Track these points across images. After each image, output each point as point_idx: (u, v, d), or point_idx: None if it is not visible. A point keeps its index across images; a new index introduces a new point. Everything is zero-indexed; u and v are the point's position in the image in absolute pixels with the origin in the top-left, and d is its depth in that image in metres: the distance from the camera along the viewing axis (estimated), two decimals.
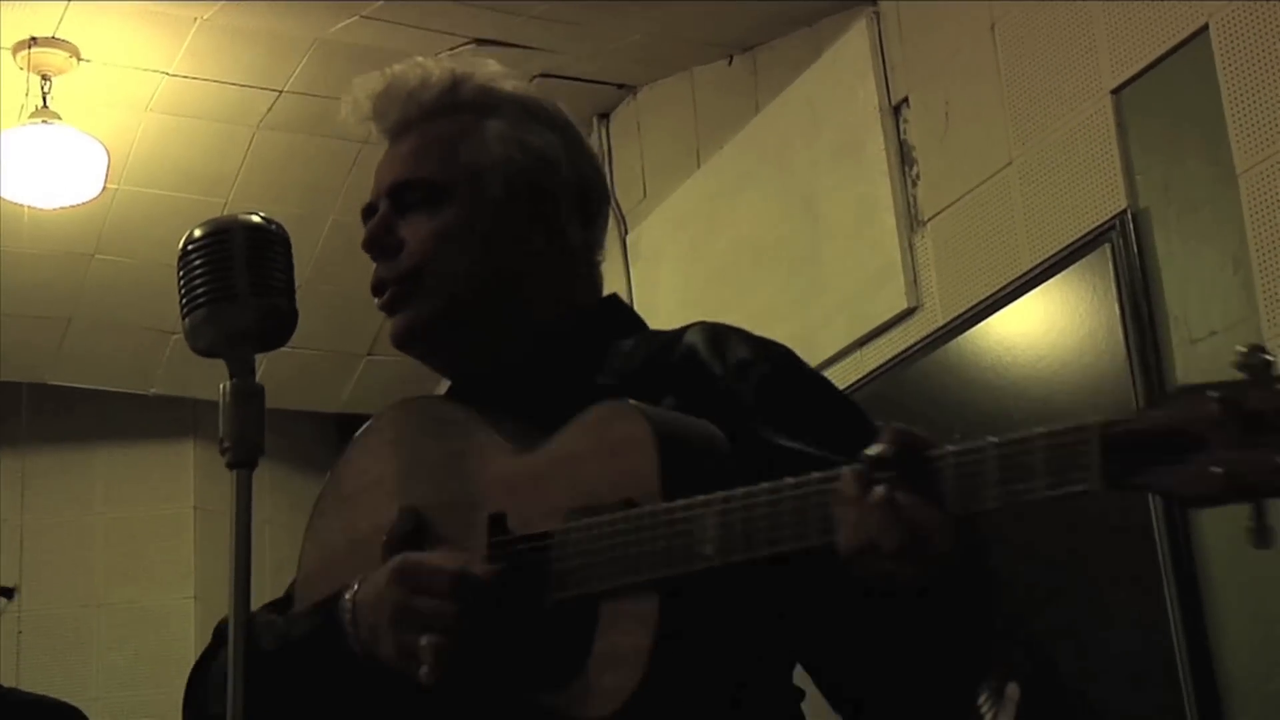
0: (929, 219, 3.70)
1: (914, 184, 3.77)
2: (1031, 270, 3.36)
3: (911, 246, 3.73)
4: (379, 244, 1.59)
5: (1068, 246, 3.28)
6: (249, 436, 1.19)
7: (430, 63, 1.66)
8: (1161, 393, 1.12)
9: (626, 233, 4.85)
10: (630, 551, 1.29)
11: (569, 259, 1.63)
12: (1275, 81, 2.90)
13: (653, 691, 1.27)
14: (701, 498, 1.26)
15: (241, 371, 1.21)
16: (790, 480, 1.23)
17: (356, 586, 1.44)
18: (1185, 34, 3.09)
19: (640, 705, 1.27)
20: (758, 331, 1.56)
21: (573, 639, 1.32)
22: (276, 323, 1.24)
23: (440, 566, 1.39)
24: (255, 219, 1.25)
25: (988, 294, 3.47)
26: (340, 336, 5.69)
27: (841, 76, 4.00)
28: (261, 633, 1.48)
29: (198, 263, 1.23)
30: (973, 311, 3.50)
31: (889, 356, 3.72)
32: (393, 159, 1.64)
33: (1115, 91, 3.23)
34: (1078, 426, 1.10)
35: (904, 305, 3.70)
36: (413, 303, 1.58)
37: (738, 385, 1.47)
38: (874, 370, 3.75)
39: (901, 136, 3.83)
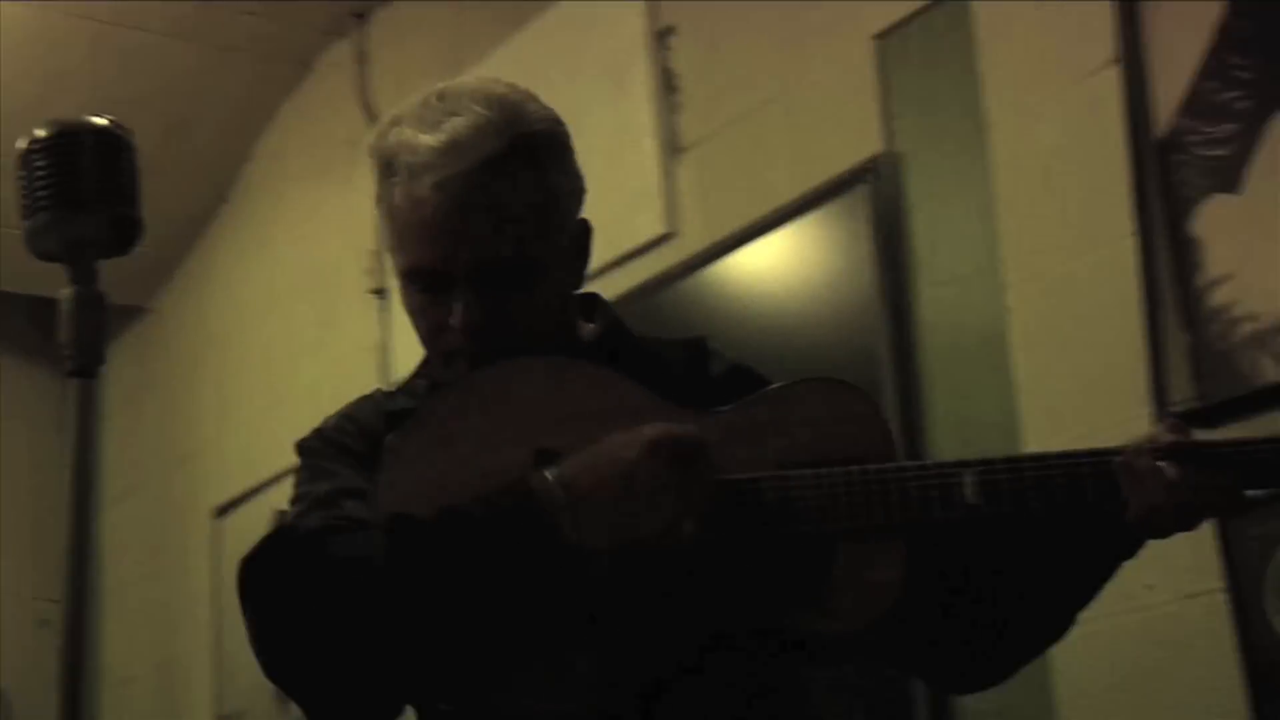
0: (689, 147, 3.77)
1: (676, 112, 3.84)
2: (788, 205, 3.46)
3: (671, 173, 3.80)
4: (478, 331, 1.60)
5: (825, 184, 3.38)
6: (91, 344, 1.19)
7: (476, 98, 1.63)
8: None
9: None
10: (883, 499, 1.53)
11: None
12: (1028, 39, 3.04)
13: (891, 617, 1.53)
14: (954, 460, 1.56)
15: (84, 278, 1.21)
16: (1048, 453, 1.57)
17: (554, 469, 1.46)
18: None
19: (878, 628, 1.54)
20: None
21: (804, 569, 1.53)
22: (122, 231, 1.23)
23: (696, 436, 1.49)
24: (103, 121, 1.24)
25: (744, 224, 3.56)
26: None
27: (607, 1, 4.04)
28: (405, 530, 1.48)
29: (40, 164, 1.21)
30: (729, 240, 3.59)
31: (644, 279, 3.79)
32: (463, 231, 1.58)
33: (877, 36, 3.34)
34: None
35: (661, 230, 3.78)
36: (495, 355, 1.62)
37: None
38: (629, 291, 3.82)
39: (665, 64, 3.89)
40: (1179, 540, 2.59)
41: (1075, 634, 2.74)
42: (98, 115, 1.23)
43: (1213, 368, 2.65)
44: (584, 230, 1.72)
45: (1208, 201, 2.70)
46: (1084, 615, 2.74)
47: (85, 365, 1.17)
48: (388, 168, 1.63)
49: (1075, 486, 1.55)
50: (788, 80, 3.54)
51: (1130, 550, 1.66)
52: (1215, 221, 2.68)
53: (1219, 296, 2.66)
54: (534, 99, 1.68)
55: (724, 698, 1.58)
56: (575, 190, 1.69)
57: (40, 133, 1.22)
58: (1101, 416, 2.80)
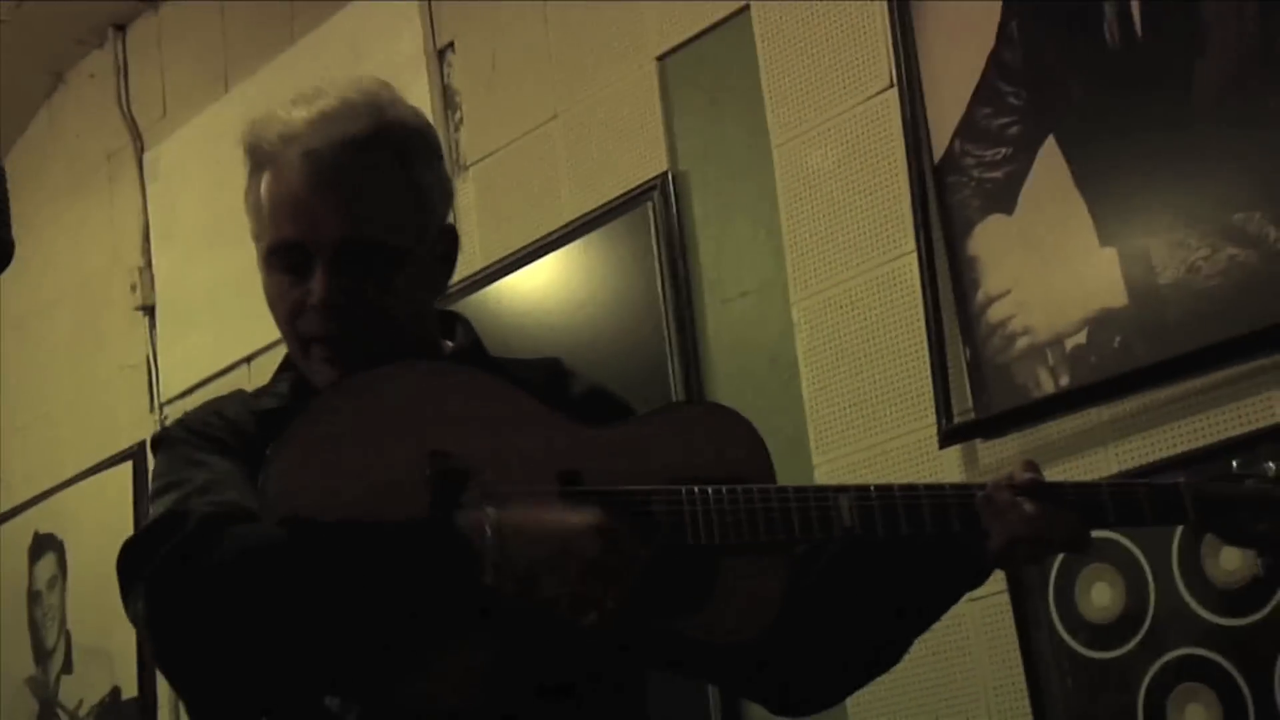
0: (471, 164, 3.80)
1: (457, 128, 3.87)
2: (573, 222, 3.52)
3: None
4: (334, 306, 1.62)
5: (610, 202, 3.45)
6: None
7: (347, 88, 1.66)
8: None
9: (144, 150, 4.74)
10: (766, 517, 1.62)
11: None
12: (808, 63, 3.15)
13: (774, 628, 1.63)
14: (832, 485, 1.68)
15: None
16: (915, 485, 1.70)
17: (493, 513, 1.48)
18: (728, 11, 3.31)
19: (762, 638, 1.63)
20: None
21: (693, 579, 1.61)
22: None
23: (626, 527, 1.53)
24: None
25: (528, 241, 3.60)
26: None
27: (384, 17, 4.05)
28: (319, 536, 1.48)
29: None
30: (514, 258, 3.63)
31: None
32: (326, 207, 1.62)
33: (660, 58, 3.42)
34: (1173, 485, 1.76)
35: None
36: (357, 352, 1.63)
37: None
38: None
39: (445, 81, 3.91)
40: None
41: None
42: None
43: (991, 380, 2.78)
44: (451, 236, 1.75)
45: (985, 222, 2.84)
46: None
47: None
48: (256, 152, 1.67)
49: (941, 517, 1.68)
50: (570, 98, 3.59)
51: (977, 581, 1.78)
52: (992, 241, 2.82)
53: (996, 312, 2.80)
54: (406, 103, 1.72)
55: (615, 701, 1.67)
56: (444, 193, 1.73)
57: None
58: (887, 428, 2.92)
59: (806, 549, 1.74)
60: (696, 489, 1.61)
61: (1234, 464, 1.83)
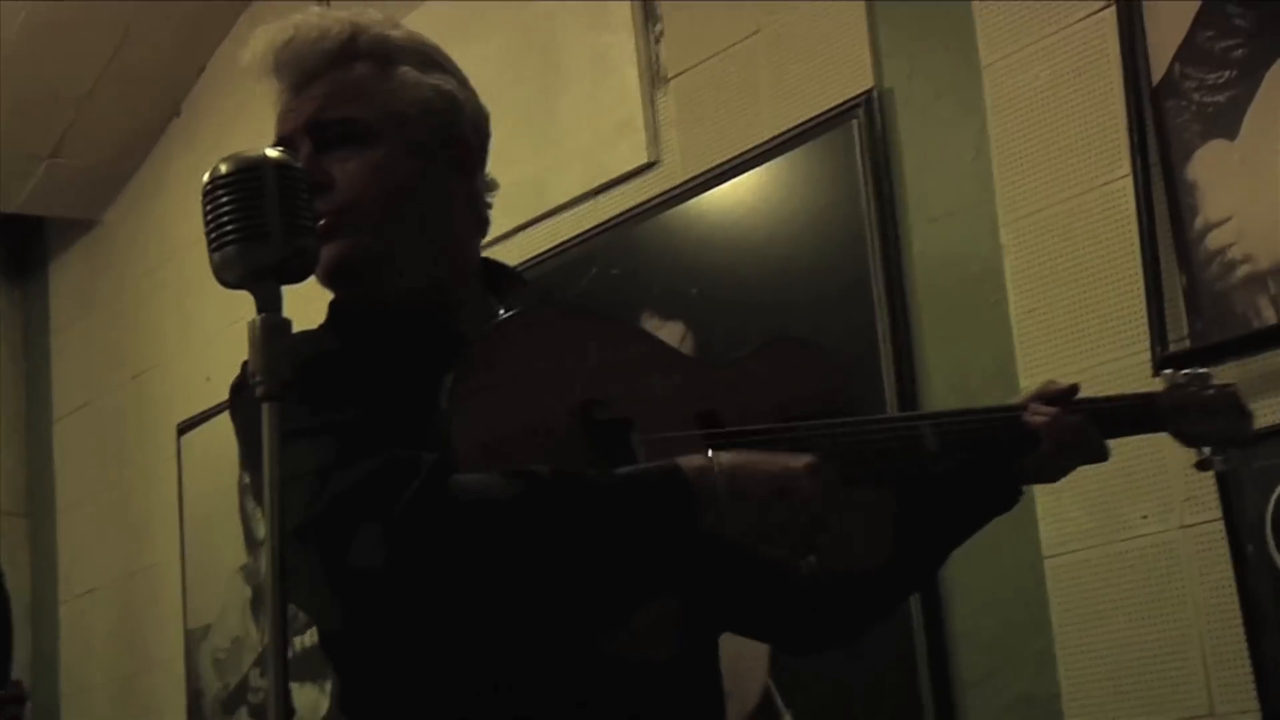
0: (672, 77, 3.82)
1: (657, 40, 3.88)
2: (775, 138, 3.52)
3: (653, 102, 3.85)
4: (316, 186, 1.62)
5: (813, 119, 3.44)
6: (277, 370, 1.25)
7: (325, 16, 1.72)
8: None
9: None
10: (859, 447, 1.68)
11: (476, 199, 1.79)
12: None
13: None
14: (913, 412, 1.88)
15: (270, 306, 1.26)
16: (969, 410, 1.86)
17: (717, 456, 1.54)
18: None
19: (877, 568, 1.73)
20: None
21: None
22: (302, 260, 1.29)
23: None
24: (280, 155, 1.30)
25: (729, 157, 3.62)
26: (22, 136, 5.51)
27: None
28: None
29: (226, 198, 1.26)
30: (714, 173, 3.64)
31: (626, 208, 3.85)
32: (304, 100, 1.70)
33: None
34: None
35: (644, 159, 3.83)
36: (343, 236, 1.66)
37: None
38: (610, 219, 3.87)
39: None
40: (1174, 474, 2.72)
41: (1068, 560, 2.89)
42: (269, 147, 1.28)
43: (1209, 308, 2.76)
44: (463, 146, 1.78)
45: (1205, 146, 2.80)
46: (1076, 544, 2.90)
47: (275, 390, 1.22)
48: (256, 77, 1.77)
49: (1008, 433, 1.82)
50: (773, 13, 3.58)
51: (1009, 503, 1.89)
52: (1212, 167, 2.78)
53: (1216, 239, 2.77)
54: (394, 21, 1.81)
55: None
56: (443, 97, 1.76)
57: (222, 168, 1.27)
58: (1099, 353, 2.91)
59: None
60: (833, 421, 1.68)
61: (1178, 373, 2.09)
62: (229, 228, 1.27)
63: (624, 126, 3.88)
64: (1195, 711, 2.73)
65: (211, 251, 1.29)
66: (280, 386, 1.23)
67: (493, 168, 1.90)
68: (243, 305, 1.26)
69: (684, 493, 1.51)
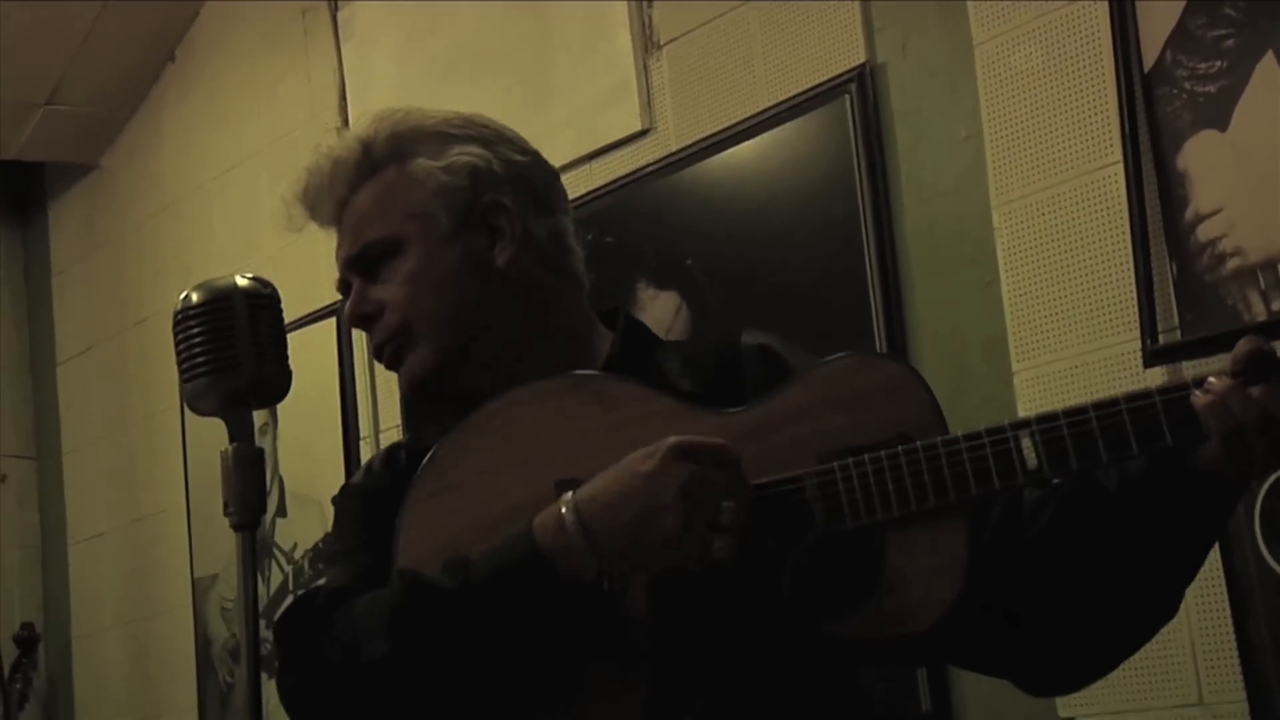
0: (665, 43, 3.79)
1: (649, 4, 3.84)
2: (769, 110, 3.50)
3: (646, 68, 3.83)
4: (362, 316, 1.65)
5: (806, 91, 3.43)
6: (251, 499, 1.26)
7: (337, 141, 1.71)
8: None
9: (338, 8, 4.79)
10: (935, 477, 1.44)
11: (540, 253, 1.71)
12: None
13: (961, 607, 1.44)
14: (1005, 424, 1.44)
15: (242, 435, 1.27)
16: (1107, 399, 1.43)
17: (567, 503, 1.44)
18: None
19: (949, 614, 1.44)
20: None
21: (853, 569, 1.46)
22: (275, 386, 1.30)
23: (719, 442, 1.44)
24: (248, 282, 1.30)
25: (723, 126, 3.60)
26: (18, 83, 5.50)
27: None
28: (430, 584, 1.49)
29: (197, 330, 1.27)
30: (708, 142, 3.63)
31: (620, 174, 3.84)
32: (342, 237, 1.70)
33: None
34: None
35: (637, 126, 3.81)
36: (408, 355, 1.66)
37: None
38: (604, 186, 3.87)
39: None
40: None
41: None
42: (239, 275, 1.28)
43: (1199, 300, 2.76)
44: (495, 209, 1.71)
45: (1196, 136, 2.78)
46: None
47: (248, 519, 1.23)
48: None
49: (1150, 430, 1.43)
50: None
51: (1233, 500, 1.53)
52: (1203, 156, 2.77)
53: (1206, 231, 2.76)
54: (423, 111, 1.75)
55: (783, 713, 1.55)
56: (457, 170, 1.70)
57: (194, 297, 1.28)
58: (1090, 339, 2.92)
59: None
60: (851, 461, 1.46)
61: None
62: (200, 359, 1.28)
63: (618, 92, 3.86)
64: (1185, 700, 2.77)
65: (183, 382, 1.30)
66: (253, 516, 1.24)
67: None
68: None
69: (534, 558, 1.44)
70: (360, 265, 1.68)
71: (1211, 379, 1.43)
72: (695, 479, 1.42)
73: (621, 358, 1.70)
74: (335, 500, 1.70)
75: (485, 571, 1.47)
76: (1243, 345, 1.44)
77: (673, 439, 1.44)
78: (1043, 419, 1.45)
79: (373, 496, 1.66)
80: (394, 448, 1.72)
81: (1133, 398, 1.43)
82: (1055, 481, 1.56)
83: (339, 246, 1.71)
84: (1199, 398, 1.42)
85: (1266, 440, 1.40)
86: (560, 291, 1.74)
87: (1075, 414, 1.44)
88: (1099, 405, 1.43)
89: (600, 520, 1.43)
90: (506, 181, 1.72)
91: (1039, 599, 1.56)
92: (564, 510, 1.44)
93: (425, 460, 1.57)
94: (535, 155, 1.79)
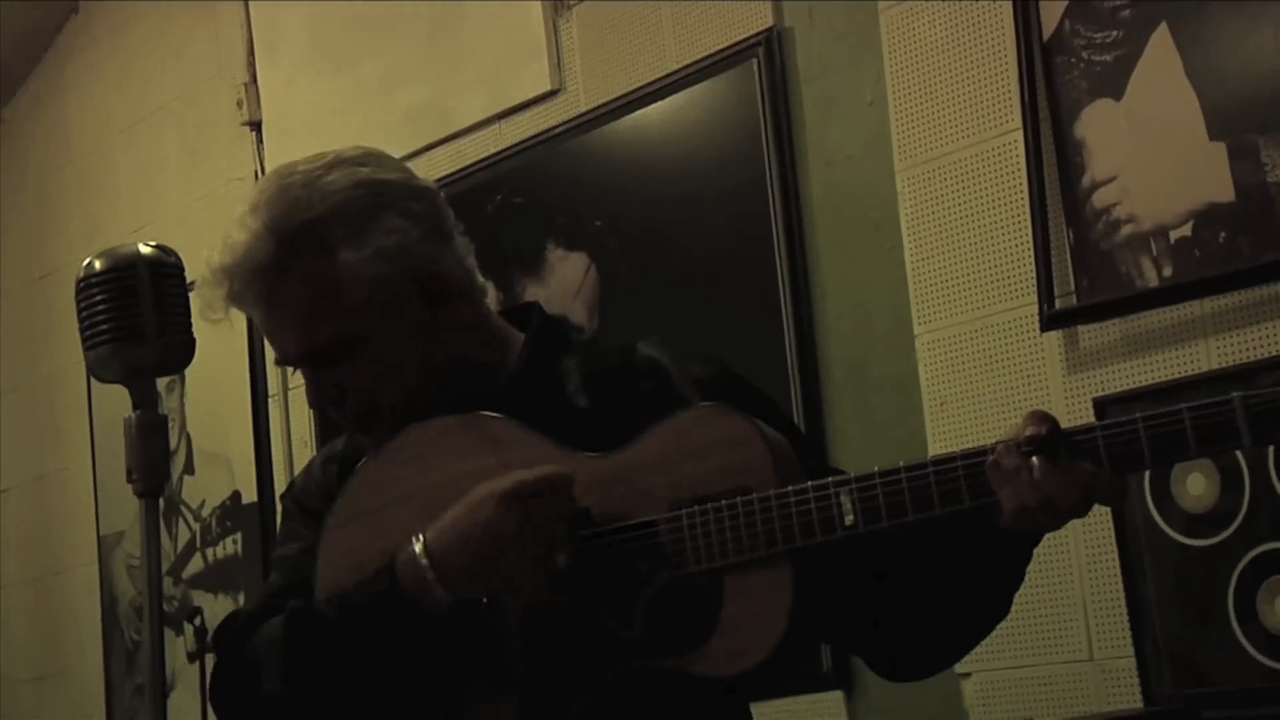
0: (575, 4, 3.80)
1: None
2: (677, 72, 3.53)
3: (556, 29, 3.84)
4: (325, 402, 1.71)
5: (714, 54, 3.45)
6: (155, 467, 1.28)
7: (247, 235, 1.66)
8: None
9: None
10: (765, 527, 1.55)
11: (461, 287, 1.76)
12: None
13: (785, 644, 1.55)
14: (828, 479, 1.54)
15: (146, 403, 1.29)
16: (917, 462, 1.52)
17: (419, 539, 1.59)
18: None
19: (777, 656, 1.55)
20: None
21: (684, 612, 1.58)
22: (178, 355, 1.31)
23: (551, 472, 1.59)
24: (151, 251, 1.31)
25: (632, 88, 3.62)
26: None
27: None
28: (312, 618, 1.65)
29: (100, 298, 1.28)
30: (617, 103, 3.64)
31: (530, 134, 3.85)
32: (277, 330, 1.70)
33: None
34: (1219, 400, 1.42)
35: (547, 87, 3.82)
36: (378, 426, 1.73)
37: (694, 395, 1.71)
38: (514, 145, 3.88)
39: None
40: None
41: None
42: (143, 243, 1.29)
43: (1095, 266, 2.82)
44: (435, 278, 1.74)
45: (1093, 105, 2.84)
46: None
47: (153, 486, 1.25)
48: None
49: (951, 495, 1.52)
50: None
51: (1027, 552, 1.62)
52: (1099, 125, 2.83)
53: (1102, 198, 2.82)
54: (332, 169, 1.73)
55: None
56: (385, 255, 1.71)
57: (96, 264, 1.28)
58: (989, 303, 2.97)
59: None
60: (697, 509, 1.59)
61: None
62: (103, 328, 1.29)
63: (528, 52, 3.86)
64: (1076, 656, 2.85)
65: (86, 350, 1.30)
66: (157, 483, 1.25)
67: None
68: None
69: (394, 591, 1.59)
70: (309, 362, 1.71)
71: (1001, 451, 1.50)
72: (529, 519, 1.58)
73: (525, 374, 1.79)
74: (281, 498, 1.84)
75: (356, 603, 1.63)
76: (1029, 424, 1.50)
77: (510, 483, 1.58)
78: (860, 479, 1.55)
79: (306, 505, 1.81)
80: (331, 455, 1.83)
81: (940, 461, 1.53)
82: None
83: (275, 337, 1.71)
84: (990, 471, 1.50)
85: (1046, 516, 1.49)
86: (477, 312, 1.80)
87: (888, 475, 1.54)
88: (910, 468, 1.53)
89: (447, 556, 1.59)
90: (425, 239, 1.74)
91: (890, 612, 1.70)
92: (416, 547, 1.60)
93: (347, 483, 1.71)
94: (426, 188, 1.81)
